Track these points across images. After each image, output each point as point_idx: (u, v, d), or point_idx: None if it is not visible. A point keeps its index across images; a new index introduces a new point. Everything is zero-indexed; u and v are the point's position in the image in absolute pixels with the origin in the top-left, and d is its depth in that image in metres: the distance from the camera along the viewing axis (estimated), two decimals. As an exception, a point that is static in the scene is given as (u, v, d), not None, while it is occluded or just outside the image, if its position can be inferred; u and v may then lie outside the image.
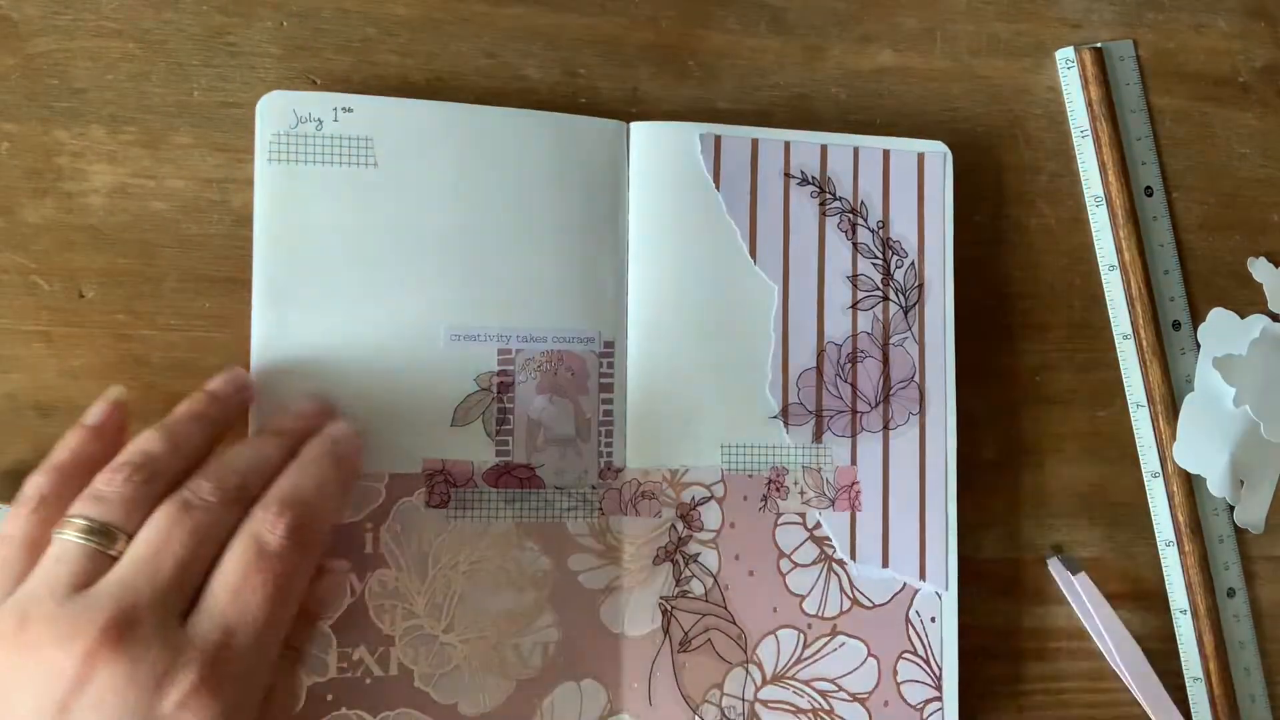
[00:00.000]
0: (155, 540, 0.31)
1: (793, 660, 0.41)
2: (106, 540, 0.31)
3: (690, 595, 0.40)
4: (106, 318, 0.38)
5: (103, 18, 0.38)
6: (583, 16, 0.42)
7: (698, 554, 0.40)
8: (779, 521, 0.41)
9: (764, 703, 0.40)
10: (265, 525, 0.32)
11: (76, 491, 0.32)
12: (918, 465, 0.42)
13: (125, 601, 0.30)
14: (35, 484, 0.33)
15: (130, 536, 0.31)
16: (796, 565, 0.41)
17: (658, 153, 0.41)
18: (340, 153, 0.39)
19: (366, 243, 0.39)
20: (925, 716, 0.42)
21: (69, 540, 0.31)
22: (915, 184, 0.43)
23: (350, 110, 0.39)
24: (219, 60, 0.39)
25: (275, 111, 0.38)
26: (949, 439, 0.43)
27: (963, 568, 0.44)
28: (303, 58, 0.40)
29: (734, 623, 0.40)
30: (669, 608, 0.40)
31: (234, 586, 0.31)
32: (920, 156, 0.43)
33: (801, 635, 0.41)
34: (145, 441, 0.33)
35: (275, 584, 0.31)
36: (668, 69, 0.43)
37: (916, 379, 0.43)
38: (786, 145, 0.42)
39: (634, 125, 0.41)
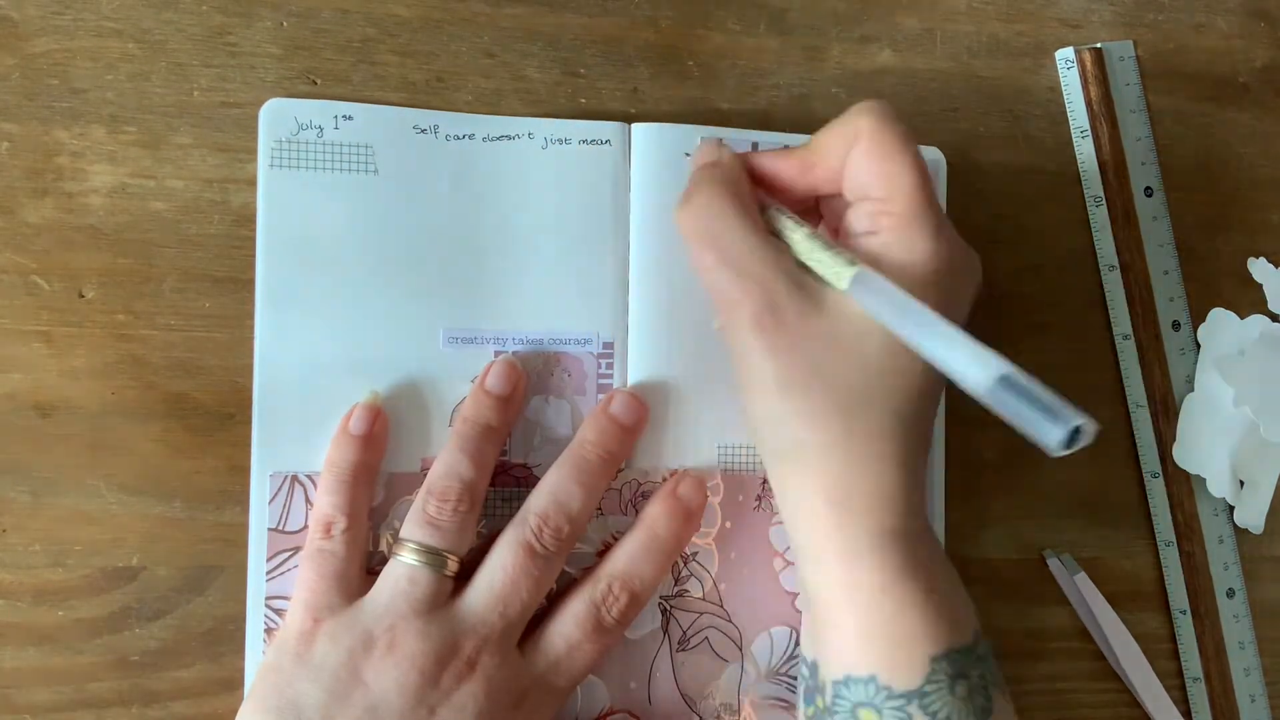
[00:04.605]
0: (506, 581, 0.36)
1: (785, 657, 0.41)
2: (442, 563, 0.36)
3: (689, 595, 0.40)
4: (106, 318, 0.38)
5: (103, 18, 0.38)
6: (583, 16, 0.42)
7: (696, 553, 0.40)
8: (773, 521, 0.41)
9: (757, 698, 0.40)
10: (608, 601, 0.37)
11: (367, 500, 0.38)
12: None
13: (481, 633, 0.36)
14: (334, 504, 0.37)
15: (459, 559, 0.36)
16: (789, 564, 0.41)
17: (658, 153, 0.41)
18: (341, 159, 0.39)
19: (366, 247, 0.39)
20: None
21: (415, 565, 0.36)
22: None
23: (350, 118, 0.39)
24: (219, 60, 0.39)
25: (277, 119, 0.38)
26: (938, 440, 0.43)
27: (963, 568, 0.44)
28: (303, 58, 0.40)
29: (730, 621, 0.41)
30: (668, 607, 0.40)
31: (573, 643, 0.37)
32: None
33: (794, 632, 0.41)
34: (457, 464, 0.37)
35: (601, 653, 0.38)
36: (668, 69, 0.43)
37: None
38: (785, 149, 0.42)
39: (634, 126, 0.41)
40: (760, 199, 0.37)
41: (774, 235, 0.36)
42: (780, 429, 0.35)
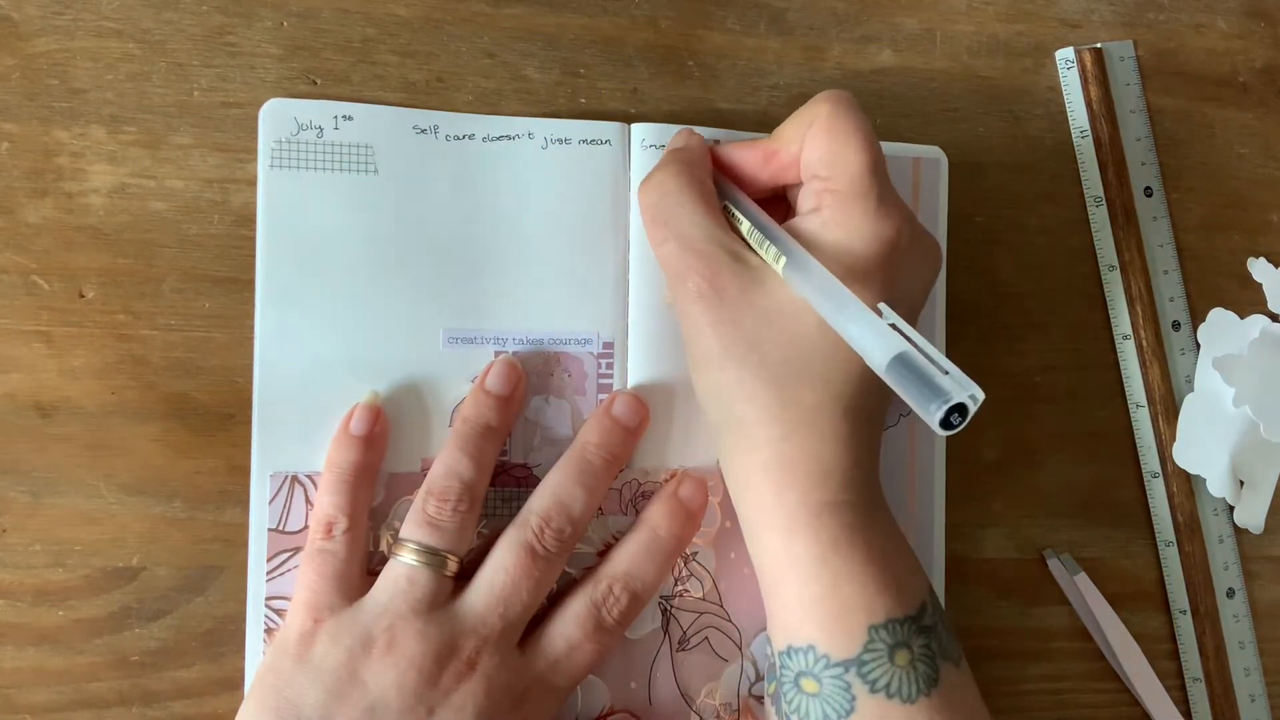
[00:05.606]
0: (506, 582, 0.36)
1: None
2: (442, 563, 0.36)
3: (689, 595, 0.40)
4: (106, 318, 0.38)
5: (103, 18, 0.38)
6: (583, 16, 0.42)
7: (696, 553, 0.40)
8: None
9: (756, 697, 0.40)
10: (609, 601, 0.37)
11: (368, 500, 0.38)
12: (908, 465, 0.42)
13: (481, 633, 0.36)
14: (335, 504, 0.37)
15: (459, 559, 0.36)
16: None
17: (658, 153, 0.41)
18: (341, 159, 0.39)
19: (367, 247, 0.39)
20: None
21: (415, 565, 0.36)
22: (911, 188, 0.43)
23: (350, 118, 0.39)
24: (219, 60, 0.39)
25: (277, 119, 0.38)
26: (938, 440, 0.43)
27: (963, 568, 0.44)
28: (303, 58, 0.40)
29: (730, 621, 0.41)
30: (668, 607, 0.40)
31: (573, 643, 0.37)
32: (916, 161, 0.43)
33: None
34: (457, 464, 0.37)
35: (601, 653, 0.38)
36: (668, 69, 0.43)
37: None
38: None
39: (634, 126, 0.41)
40: (721, 184, 0.38)
41: (728, 217, 0.37)
42: (721, 401, 0.36)
